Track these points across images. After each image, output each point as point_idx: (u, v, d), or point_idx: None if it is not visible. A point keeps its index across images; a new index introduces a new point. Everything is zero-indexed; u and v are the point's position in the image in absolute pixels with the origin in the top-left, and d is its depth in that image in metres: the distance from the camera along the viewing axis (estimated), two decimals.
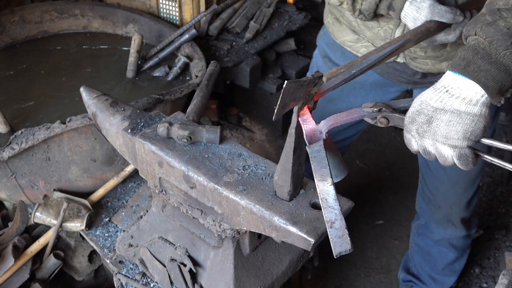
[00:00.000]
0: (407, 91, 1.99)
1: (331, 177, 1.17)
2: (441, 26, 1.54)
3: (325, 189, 1.16)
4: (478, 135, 1.14)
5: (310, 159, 1.20)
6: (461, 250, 2.33)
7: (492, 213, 3.10)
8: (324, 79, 1.22)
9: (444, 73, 1.72)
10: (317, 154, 1.20)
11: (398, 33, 1.68)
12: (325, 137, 1.23)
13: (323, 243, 1.34)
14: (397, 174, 3.35)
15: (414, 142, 1.21)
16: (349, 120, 1.25)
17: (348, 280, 2.74)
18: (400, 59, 1.80)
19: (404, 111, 1.24)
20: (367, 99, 2.01)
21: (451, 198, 2.09)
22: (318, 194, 1.17)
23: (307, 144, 1.22)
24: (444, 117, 1.14)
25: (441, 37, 1.56)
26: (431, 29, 1.51)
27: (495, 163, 1.17)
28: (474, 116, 1.13)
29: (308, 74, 2.22)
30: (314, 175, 1.18)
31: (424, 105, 1.17)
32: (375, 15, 1.64)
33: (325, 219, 1.13)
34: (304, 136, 1.23)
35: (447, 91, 1.15)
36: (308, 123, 1.23)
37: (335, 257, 1.09)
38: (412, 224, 2.46)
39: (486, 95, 1.13)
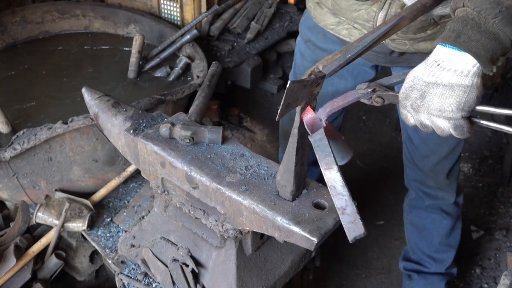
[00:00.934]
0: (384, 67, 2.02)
1: (337, 164, 1.18)
2: (438, 0, 1.49)
3: (332, 176, 1.17)
4: (472, 105, 1.16)
5: (313, 148, 1.21)
6: (454, 218, 2.37)
7: (493, 213, 3.10)
8: (320, 66, 1.22)
9: (421, 52, 1.72)
10: (319, 143, 1.21)
11: (381, 15, 1.67)
12: (325, 124, 1.24)
13: (324, 243, 1.34)
14: (397, 174, 3.34)
15: (410, 117, 1.24)
16: (346, 104, 1.27)
17: (349, 280, 2.74)
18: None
19: (397, 86, 1.25)
20: (351, 79, 2.04)
21: (437, 167, 2.15)
22: (326, 183, 1.18)
23: (309, 134, 1.23)
24: (436, 91, 1.16)
25: (438, 10, 1.51)
26: (427, 4, 1.46)
27: (492, 127, 1.19)
28: (466, 87, 1.15)
29: (294, 61, 2.26)
30: (319, 164, 1.19)
31: (417, 80, 1.19)
32: None
33: (336, 206, 1.14)
34: (305, 126, 1.23)
35: (438, 64, 1.17)
36: (307, 113, 1.24)
37: (350, 242, 1.12)
38: (404, 205, 2.50)
39: (477, 65, 1.14)
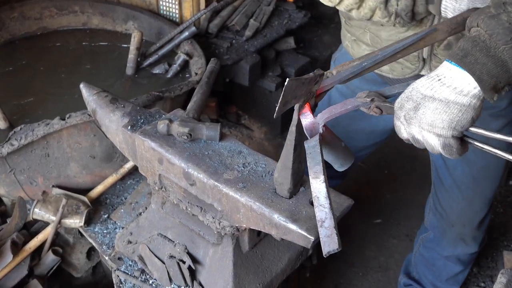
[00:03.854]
0: None
1: (324, 175, 1.17)
2: None
3: (317, 187, 1.16)
4: (464, 126, 1.12)
5: (306, 155, 1.20)
6: (467, 264, 2.30)
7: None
8: (334, 71, 1.21)
9: None
10: (312, 150, 1.20)
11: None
12: (321, 131, 1.23)
13: None
14: (395, 173, 3.35)
15: (403, 129, 1.20)
16: (344, 111, 1.25)
17: (346, 278, 2.74)
18: (424, 72, 1.68)
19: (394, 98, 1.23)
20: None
21: (465, 217, 2.04)
22: (312, 192, 1.17)
23: (308, 138, 1.22)
24: (431, 105, 1.13)
25: None
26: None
27: (486, 150, 1.16)
28: (462, 106, 1.11)
29: (329, 94, 2.07)
30: (308, 172, 1.18)
31: (414, 91, 1.16)
32: (413, 16, 1.51)
33: (316, 218, 1.13)
34: (304, 130, 1.22)
35: (439, 79, 1.14)
36: (306, 117, 1.23)
37: (324, 256, 1.09)
38: (419, 234, 2.40)
39: (479, 88, 1.11)
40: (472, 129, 1.15)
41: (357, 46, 1.82)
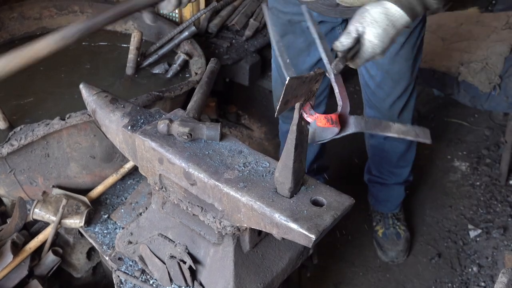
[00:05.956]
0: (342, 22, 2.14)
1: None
2: None
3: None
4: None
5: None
6: (408, 142, 2.64)
7: (490, 212, 3.10)
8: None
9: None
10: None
11: None
12: (366, 119, 1.35)
13: (322, 241, 1.34)
14: None
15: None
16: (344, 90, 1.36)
17: (346, 278, 2.74)
18: None
19: None
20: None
21: (392, 107, 2.46)
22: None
23: (339, 134, 1.34)
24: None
25: None
26: None
27: None
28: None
29: (268, 30, 2.32)
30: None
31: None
32: None
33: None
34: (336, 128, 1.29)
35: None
36: (309, 115, 1.25)
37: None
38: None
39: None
40: None
41: None
